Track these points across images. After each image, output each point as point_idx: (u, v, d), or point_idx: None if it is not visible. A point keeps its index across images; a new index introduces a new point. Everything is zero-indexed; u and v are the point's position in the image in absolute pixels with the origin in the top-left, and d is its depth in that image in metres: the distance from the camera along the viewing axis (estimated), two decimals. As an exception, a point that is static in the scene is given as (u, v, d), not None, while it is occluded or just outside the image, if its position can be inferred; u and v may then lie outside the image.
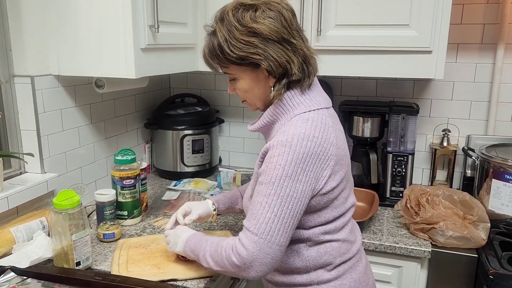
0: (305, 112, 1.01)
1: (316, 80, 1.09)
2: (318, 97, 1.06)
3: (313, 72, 1.05)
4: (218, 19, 1.03)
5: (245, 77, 1.04)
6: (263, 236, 0.94)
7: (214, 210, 1.32)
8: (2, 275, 1.11)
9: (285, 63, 0.99)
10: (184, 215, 1.26)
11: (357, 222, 1.25)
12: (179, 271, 1.16)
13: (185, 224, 1.22)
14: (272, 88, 1.03)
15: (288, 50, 1.00)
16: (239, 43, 0.98)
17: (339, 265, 1.06)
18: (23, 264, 1.14)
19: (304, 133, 0.96)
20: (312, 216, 1.02)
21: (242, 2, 1.01)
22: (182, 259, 1.19)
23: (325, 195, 1.00)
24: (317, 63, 1.07)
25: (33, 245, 1.21)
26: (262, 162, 1.02)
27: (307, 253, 1.05)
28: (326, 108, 1.05)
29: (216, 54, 1.02)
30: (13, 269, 1.13)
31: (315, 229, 1.03)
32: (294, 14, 1.03)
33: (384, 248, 1.43)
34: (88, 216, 1.46)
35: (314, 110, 1.02)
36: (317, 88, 1.08)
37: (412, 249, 1.41)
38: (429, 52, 1.50)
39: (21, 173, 1.46)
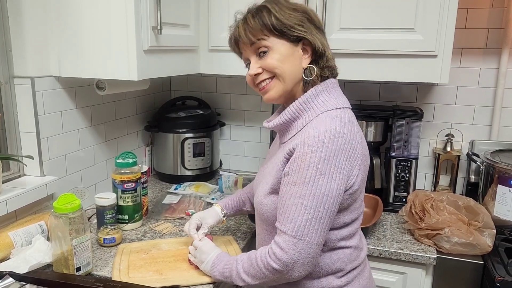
0: (331, 110, 1.01)
1: (336, 82, 1.09)
2: (340, 97, 1.06)
3: (335, 69, 1.09)
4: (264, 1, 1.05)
5: (282, 50, 1.02)
6: (302, 238, 0.93)
7: (224, 216, 1.32)
8: (0, 281, 1.08)
9: (324, 47, 1.03)
10: (198, 228, 1.25)
11: (361, 227, 1.23)
12: (181, 277, 1.14)
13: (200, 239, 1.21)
14: (303, 71, 1.04)
15: (324, 38, 1.05)
16: (289, 15, 1.01)
17: (349, 271, 1.06)
18: (22, 270, 1.11)
19: (335, 129, 0.94)
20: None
21: None
22: (193, 265, 1.18)
23: (351, 195, 0.99)
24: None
25: (32, 249, 1.18)
26: (287, 159, 0.99)
27: (320, 259, 1.03)
28: (349, 108, 1.06)
29: (263, 23, 1.01)
30: (12, 274, 1.10)
31: (332, 233, 1.02)
32: None
33: (388, 254, 1.42)
34: (88, 220, 1.44)
35: (340, 108, 1.02)
36: (339, 89, 1.08)
37: (417, 255, 1.39)
38: (434, 56, 1.49)
39: (20, 176, 1.43)
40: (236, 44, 1.09)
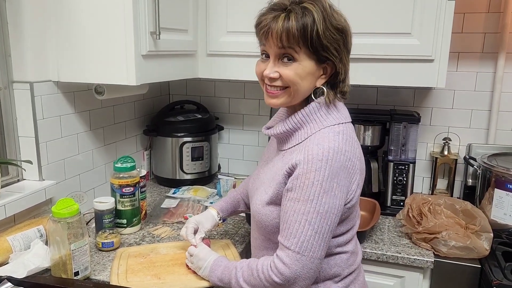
0: (334, 125, 1.00)
1: None
2: (343, 110, 1.06)
3: (347, 93, 1.07)
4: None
5: (306, 66, 0.97)
6: (306, 254, 0.94)
7: (220, 220, 1.32)
8: (-1, 285, 1.09)
9: (346, 73, 1.02)
10: (195, 232, 1.25)
11: (359, 231, 1.23)
12: (179, 282, 1.14)
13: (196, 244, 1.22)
14: (315, 90, 1.02)
15: (348, 63, 1.02)
16: (330, 32, 0.95)
17: (346, 276, 1.07)
18: (20, 274, 1.11)
19: (338, 146, 0.95)
20: None
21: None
22: (190, 269, 1.18)
23: (349, 209, 1.01)
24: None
25: (30, 254, 1.18)
26: (289, 174, 0.99)
27: None
28: (350, 122, 1.06)
29: (304, 35, 0.94)
30: (10, 279, 1.10)
31: (329, 242, 1.02)
32: None
33: (386, 258, 1.42)
34: (86, 224, 1.44)
35: (343, 123, 1.02)
36: (342, 102, 1.08)
37: (414, 259, 1.39)
38: (431, 60, 1.50)
39: (18, 181, 1.43)
40: (264, 34, 0.98)
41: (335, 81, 1.02)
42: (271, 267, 0.97)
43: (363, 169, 1.05)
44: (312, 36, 0.94)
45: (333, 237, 1.03)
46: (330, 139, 0.96)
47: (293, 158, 0.98)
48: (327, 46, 0.95)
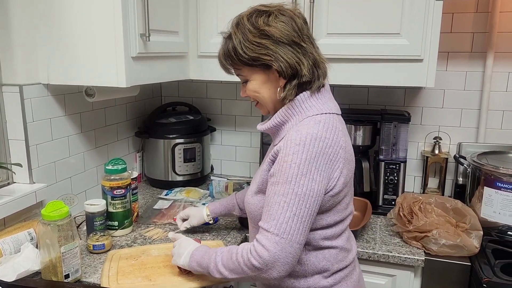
0: (317, 115, 1.03)
1: (328, 87, 1.11)
2: (329, 102, 1.08)
3: (322, 75, 1.07)
4: (234, 25, 1.07)
5: (256, 78, 1.06)
6: (284, 236, 0.95)
7: (210, 220, 1.41)
8: (-12, 289, 1.08)
9: (295, 64, 1.02)
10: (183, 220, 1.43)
11: (351, 230, 1.24)
12: (170, 283, 1.14)
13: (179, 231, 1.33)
14: (282, 89, 1.05)
15: (298, 52, 1.02)
16: (252, 44, 1.01)
17: (336, 272, 1.08)
18: (10, 278, 1.11)
19: (317, 133, 0.98)
20: (315, 217, 1.01)
21: (257, 9, 1.05)
22: (184, 272, 1.17)
23: (332, 197, 1.01)
24: (327, 69, 1.10)
25: (21, 257, 1.18)
26: (273, 161, 1.03)
27: (305, 258, 1.05)
28: (336, 114, 1.07)
29: (230, 56, 1.06)
30: None
31: (316, 233, 1.04)
32: (305, 22, 1.07)
33: (377, 257, 1.43)
34: (77, 227, 1.44)
35: (325, 113, 1.04)
36: (329, 94, 1.10)
37: (405, 257, 1.40)
38: (420, 60, 1.51)
39: (8, 184, 1.43)
40: None
41: (297, 74, 1.03)
42: (250, 251, 0.98)
43: (350, 160, 1.06)
44: (237, 56, 1.04)
45: (319, 229, 1.04)
46: (309, 126, 0.99)
47: (276, 147, 1.02)
48: (254, 57, 1.02)
